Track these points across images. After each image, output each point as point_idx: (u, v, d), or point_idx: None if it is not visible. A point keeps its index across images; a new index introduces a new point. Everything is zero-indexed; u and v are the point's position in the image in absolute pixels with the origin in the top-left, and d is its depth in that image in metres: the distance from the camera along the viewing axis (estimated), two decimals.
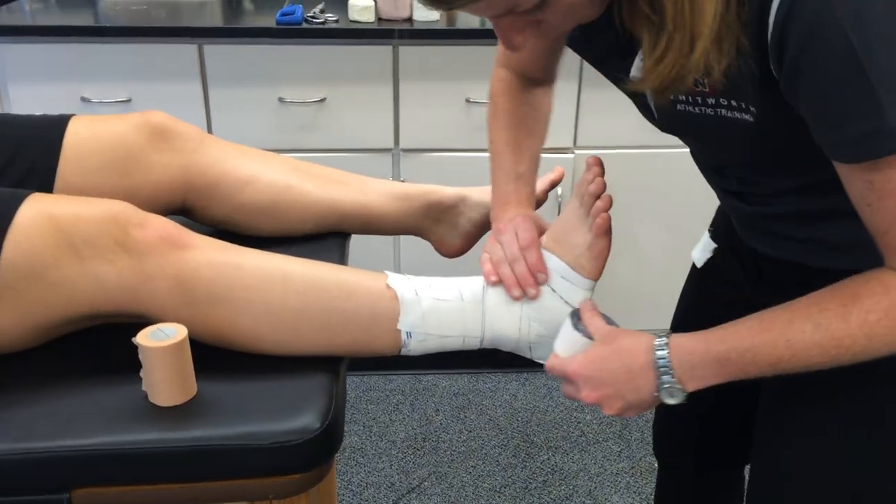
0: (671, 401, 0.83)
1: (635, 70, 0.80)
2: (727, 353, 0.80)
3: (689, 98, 0.79)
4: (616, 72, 0.86)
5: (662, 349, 0.82)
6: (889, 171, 0.69)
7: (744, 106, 0.76)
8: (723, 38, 0.70)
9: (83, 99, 1.92)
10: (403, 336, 0.93)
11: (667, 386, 0.82)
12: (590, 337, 0.90)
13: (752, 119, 0.76)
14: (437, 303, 0.95)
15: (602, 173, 0.96)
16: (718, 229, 1.12)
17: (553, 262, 0.97)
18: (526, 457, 2.04)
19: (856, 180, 0.72)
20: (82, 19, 1.95)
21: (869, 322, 0.74)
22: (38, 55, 1.90)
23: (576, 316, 0.93)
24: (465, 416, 2.18)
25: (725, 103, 0.77)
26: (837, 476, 0.94)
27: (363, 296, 0.93)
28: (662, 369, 0.82)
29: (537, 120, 1.12)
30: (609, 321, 0.92)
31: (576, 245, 0.97)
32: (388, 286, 0.94)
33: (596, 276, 0.97)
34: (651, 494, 1.93)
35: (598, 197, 0.94)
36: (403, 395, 2.25)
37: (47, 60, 1.90)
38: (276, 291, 0.90)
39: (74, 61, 1.90)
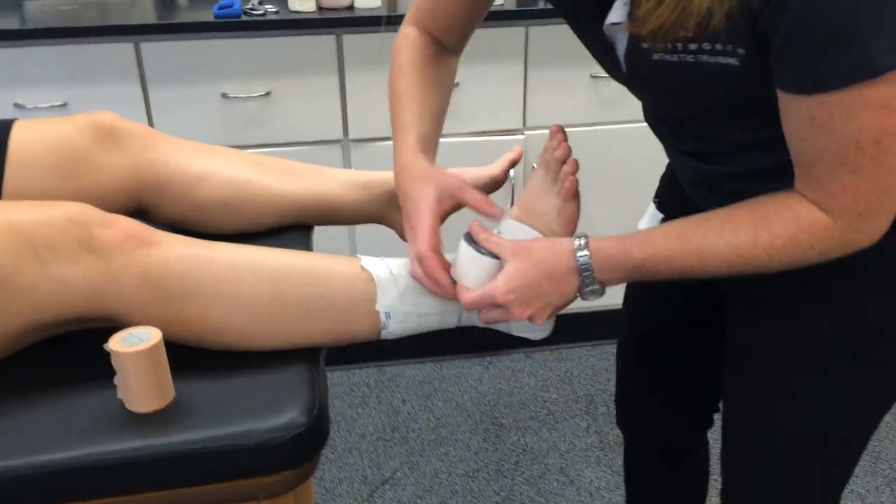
0: (592, 298, 0.89)
1: (615, 17, 0.79)
2: (644, 261, 0.85)
3: (669, 45, 0.78)
4: (591, 19, 0.85)
5: (583, 252, 0.86)
6: (833, 109, 0.72)
7: (730, 49, 0.76)
8: None
9: (17, 105, 1.84)
10: (382, 318, 0.92)
11: (588, 287, 0.88)
12: (495, 256, 0.90)
13: (737, 62, 0.76)
14: (414, 281, 0.94)
15: (566, 139, 0.97)
16: (664, 198, 1.14)
17: (525, 231, 0.97)
18: (496, 439, 2.04)
19: (799, 114, 0.75)
20: (8, 22, 1.87)
21: (774, 245, 0.80)
22: None
23: (470, 239, 0.92)
24: (433, 405, 2.17)
25: (709, 48, 0.77)
26: (809, 424, 0.96)
27: (338, 280, 0.92)
28: (585, 272, 0.87)
29: (445, 75, 1.07)
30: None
31: (545, 212, 0.97)
32: (362, 268, 0.93)
33: None
34: (621, 468, 1.95)
35: (564, 162, 0.96)
36: (368, 388, 2.23)
37: None
38: (247, 282, 0.88)
39: (4, 67, 1.82)
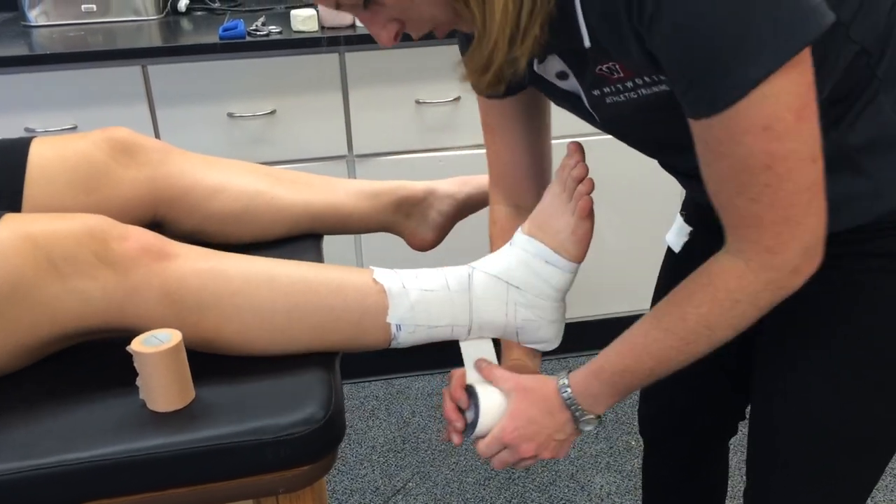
0: (589, 428, 0.94)
1: (556, 66, 0.85)
2: (611, 378, 0.89)
3: (612, 88, 0.82)
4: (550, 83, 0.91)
5: (566, 390, 0.92)
6: (718, 132, 0.71)
7: (656, 79, 0.77)
8: (525, 31, 0.73)
9: (27, 130, 1.88)
10: (393, 329, 0.93)
11: (581, 418, 0.92)
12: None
13: (666, 87, 0.77)
14: (425, 293, 0.95)
15: (583, 158, 0.97)
16: (690, 210, 1.14)
17: (537, 247, 0.97)
18: None
19: (696, 139, 0.75)
20: (16, 49, 1.91)
21: (702, 315, 0.81)
22: None
23: (472, 390, 0.97)
24: (442, 415, 2.18)
25: (641, 82, 0.79)
26: (838, 425, 0.96)
27: (351, 292, 0.93)
28: (572, 407, 0.92)
29: None
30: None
31: (559, 230, 0.97)
32: (374, 280, 0.94)
33: (580, 259, 0.97)
34: (630, 472, 1.97)
35: (580, 181, 0.95)
36: (378, 401, 2.24)
37: None
38: (263, 294, 0.90)
39: (14, 92, 1.86)
